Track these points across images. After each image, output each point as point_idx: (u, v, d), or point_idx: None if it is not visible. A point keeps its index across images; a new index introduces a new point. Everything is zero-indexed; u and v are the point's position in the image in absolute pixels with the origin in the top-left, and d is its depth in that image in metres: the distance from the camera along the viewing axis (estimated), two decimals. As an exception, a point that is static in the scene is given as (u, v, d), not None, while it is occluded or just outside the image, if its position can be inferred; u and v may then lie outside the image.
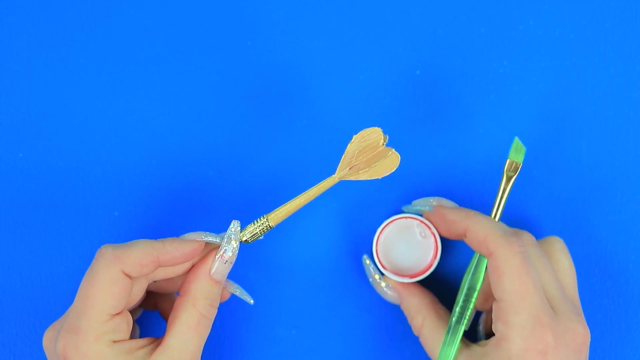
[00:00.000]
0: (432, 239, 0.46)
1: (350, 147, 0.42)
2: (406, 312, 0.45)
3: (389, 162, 0.42)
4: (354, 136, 0.42)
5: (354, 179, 0.42)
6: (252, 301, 0.44)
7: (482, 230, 0.39)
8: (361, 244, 0.49)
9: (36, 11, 0.51)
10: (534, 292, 0.37)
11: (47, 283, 0.49)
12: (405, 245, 0.46)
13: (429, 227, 0.46)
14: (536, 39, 0.50)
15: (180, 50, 0.51)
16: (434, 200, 0.45)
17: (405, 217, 0.46)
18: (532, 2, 0.51)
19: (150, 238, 0.49)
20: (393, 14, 0.51)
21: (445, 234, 0.45)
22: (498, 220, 0.43)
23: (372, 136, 0.42)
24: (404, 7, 0.51)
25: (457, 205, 0.45)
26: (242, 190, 0.50)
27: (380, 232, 0.46)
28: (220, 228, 0.49)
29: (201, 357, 0.41)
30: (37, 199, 0.50)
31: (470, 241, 0.40)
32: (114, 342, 0.38)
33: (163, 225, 0.49)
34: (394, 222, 0.46)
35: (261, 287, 0.49)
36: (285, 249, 0.49)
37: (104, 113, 0.50)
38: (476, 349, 0.40)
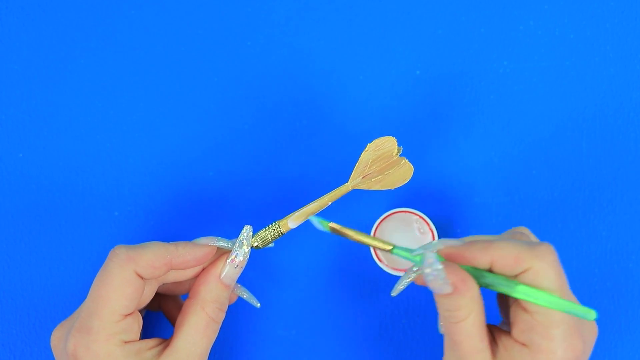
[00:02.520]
0: (430, 235, 0.46)
1: (364, 156, 0.42)
2: (450, 304, 0.38)
3: (403, 173, 0.42)
4: (368, 144, 0.42)
5: (366, 189, 0.42)
6: (258, 304, 0.44)
7: (510, 254, 0.36)
8: (361, 244, 0.49)
9: (36, 11, 0.51)
10: (567, 297, 0.36)
11: (47, 283, 0.49)
12: (402, 240, 0.46)
13: (428, 223, 0.46)
14: (536, 39, 0.50)
15: (181, 51, 0.51)
16: (437, 245, 0.39)
17: (404, 212, 0.46)
18: (532, 2, 0.51)
19: (151, 238, 0.49)
20: (393, 14, 0.51)
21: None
22: (508, 234, 0.40)
23: (386, 145, 0.43)
24: (404, 7, 0.51)
25: (458, 240, 0.39)
26: (241, 190, 0.50)
27: (379, 224, 0.46)
28: (220, 228, 0.49)
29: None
30: (37, 199, 0.50)
31: (499, 268, 0.37)
32: (125, 342, 0.39)
33: (163, 225, 0.50)
34: (392, 216, 0.46)
35: (261, 288, 0.49)
36: (285, 250, 0.49)
37: (104, 113, 0.50)
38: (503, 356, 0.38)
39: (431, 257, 0.36)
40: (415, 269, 0.40)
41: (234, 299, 0.45)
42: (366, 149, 0.42)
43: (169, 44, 0.51)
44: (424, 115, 0.50)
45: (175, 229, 0.49)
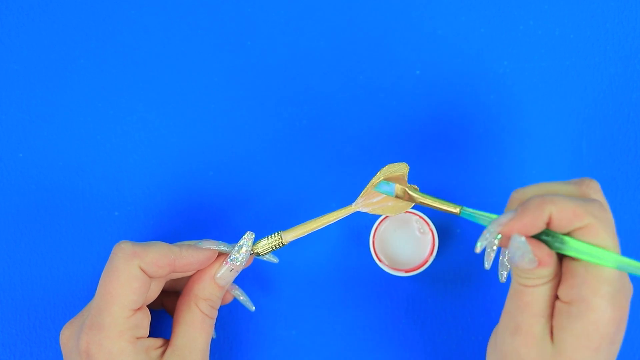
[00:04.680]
0: (430, 234, 0.46)
1: (375, 180, 0.43)
2: (532, 273, 0.36)
3: (405, 204, 0.43)
4: (381, 169, 0.43)
5: (370, 212, 0.43)
6: (253, 308, 0.45)
7: (568, 208, 0.35)
8: (361, 244, 0.49)
9: (36, 11, 0.51)
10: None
11: (47, 283, 0.49)
12: (402, 239, 0.47)
13: (428, 223, 0.46)
14: (536, 39, 0.50)
15: (180, 51, 0.51)
16: (496, 227, 0.36)
17: (404, 211, 0.46)
18: (532, 2, 0.51)
19: (151, 238, 0.49)
20: (393, 14, 0.51)
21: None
22: (573, 184, 0.38)
23: (398, 171, 0.43)
24: (404, 7, 0.51)
25: (510, 214, 0.36)
26: (241, 190, 0.50)
27: (379, 224, 0.46)
28: (220, 228, 0.49)
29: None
30: (37, 199, 0.50)
31: (555, 224, 0.35)
32: (137, 338, 0.39)
33: (163, 225, 0.49)
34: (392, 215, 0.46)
35: (261, 287, 0.49)
36: (285, 249, 0.49)
37: (104, 113, 0.50)
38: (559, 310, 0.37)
39: (519, 240, 0.35)
40: (495, 241, 0.37)
41: (229, 300, 0.45)
42: (377, 174, 0.43)
43: (168, 44, 0.51)
44: (424, 115, 0.50)
45: (175, 229, 0.49)
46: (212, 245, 0.42)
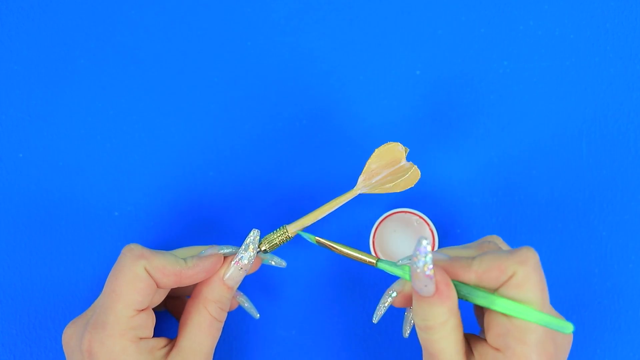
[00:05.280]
0: (430, 234, 0.46)
1: (371, 161, 0.43)
2: (428, 313, 0.37)
3: (409, 179, 0.43)
4: (375, 150, 0.43)
5: (372, 193, 0.43)
6: (257, 315, 0.45)
7: (493, 266, 0.36)
8: (361, 244, 0.49)
9: (36, 11, 0.51)
10: (547, 306, 0.36)
11: (47, 283, 0.49)
12: (402, 240, 0.47)
13: (428, 224, 0.46)
14: (536, 39, 0.50)
15: (181, 51, 0.51)
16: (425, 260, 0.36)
17: (404, 212, 0.46)
18: (532, 2, 0.51)
19: (151, 238, 0.49)
20: (393, 14, 0.51)
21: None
22: (478, 244, 0.40)
23: (394, 150, 0.43)
24: (404, 7, 0.51)
25: (443, 255, 0.38)
26: (241, 190, 0.50)
27: (379, 224, 0.46)
28: (220, 228, 0.49)
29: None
30: (37, 199, 0.50)
31: (486, 282, 0.36)
32: (140, 338, 0.39)
33: (163, 225, 0.50)
34: (392, 216, 0.46)
35: (262, 288, 0.49)
36: (285, 249, 0.49)
37: (104, 113, 0.50)
38: None
39: (425, 243, 0.35)
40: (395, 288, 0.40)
41: (235, 306, 0.45)
42: (373, 154, 0.43)
43: (169, 44, 0.51)
44: (424, 115, 0.50)
45: (175, 228, 0.49)
46: (215, 250, 0.42)
